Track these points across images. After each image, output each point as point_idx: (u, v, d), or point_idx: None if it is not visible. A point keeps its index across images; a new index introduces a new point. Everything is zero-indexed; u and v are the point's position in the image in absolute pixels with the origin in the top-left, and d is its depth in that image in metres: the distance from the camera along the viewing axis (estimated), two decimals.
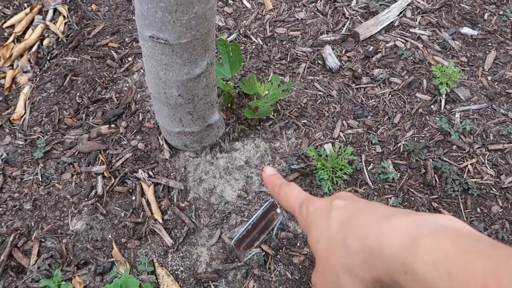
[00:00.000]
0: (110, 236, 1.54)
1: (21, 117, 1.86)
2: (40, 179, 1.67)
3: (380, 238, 0.40)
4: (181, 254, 1.50)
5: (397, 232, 0.39)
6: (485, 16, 2.13)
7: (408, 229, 0.38)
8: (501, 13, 2.13)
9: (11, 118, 1.85)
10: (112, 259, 1.49)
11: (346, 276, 0.44)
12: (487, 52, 2.00)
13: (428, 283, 0.34)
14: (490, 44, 2.03)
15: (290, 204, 0.56)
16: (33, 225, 1.57)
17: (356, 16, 2.14)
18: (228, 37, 2.07)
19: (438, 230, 0.37)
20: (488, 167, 1.66)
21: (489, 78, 1.90)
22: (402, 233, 0.38)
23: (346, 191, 0.53)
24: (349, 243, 0.43)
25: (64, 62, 1.99)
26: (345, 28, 2.10)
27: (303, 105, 1.83)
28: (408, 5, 2.18)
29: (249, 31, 2.09)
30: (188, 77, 1.23)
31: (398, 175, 1.64)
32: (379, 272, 0.40)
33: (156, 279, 1.44)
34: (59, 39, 2.11)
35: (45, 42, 2.12)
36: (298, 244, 1.50)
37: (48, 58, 2.06)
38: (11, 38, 2.15)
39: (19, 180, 1.67)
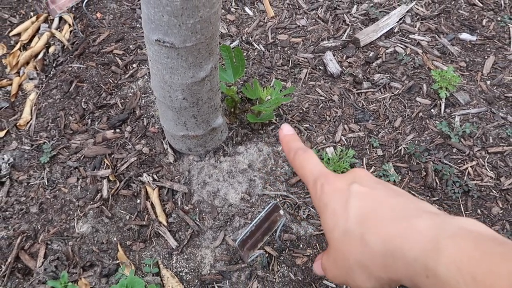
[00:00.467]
0: (115, 239, 1.56)
1: (28, 122, 1.89)
2: (46, 183, 1.69)
3: (402, 240, 0.39)
4: (186, 256, 1.52)
5: (418, 235, 0.38)
6: (484, 22, 2.16)
7: (429, 231, 0.38)
8: (499, 19, 2.16)
9: (17, 124, 1.88)
10: (118, 261, 1.51)
11: (360, 271, 0.43)
12: (486, 57, 2.03)
13: (451, 287, 0.33)
14: (488, 49, 2.06)
15: (304, 175, 0.53)
16: (39, 228, 1.59)
17: (356, 23, 2.18)
18: (231, 44, 2.10)
19: (461, 233, 0.36)
20: (488, 170, 1.68)
21: (488, 82, 1.93)
22: (423, 235, 0.38)
23: (363, 169, 0.51)
24: (369, 242, 0.42)
25: (70, 68, 2.03)
26: (345, 34, 2.14)
27: (305, 109, 1.86)
28: (407, 11, 2.21)
29: (252, 38, 2.13)
30: (193, 81, 1.26)
31: (399, 178, 1.67)
32: (399, 275, 0.39)
33: (161, 280, 1.46)
34: (65, 47, 2.15)
35: (51, 49, 2.16)
36: (301, 245, 1.52)
37: (54, 65, 2.10)
38: (18, 46, 2.19)
39: (25, 184, 1.70)
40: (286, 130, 0.59)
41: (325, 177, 0.50)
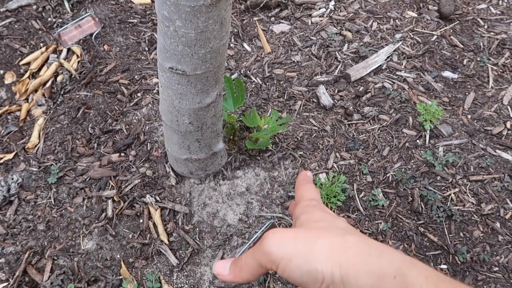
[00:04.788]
0: (118, 256, 1.64)
1: (35, 146, 1.99)
2: (53, 203, 1.77)
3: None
4: (186, 273, 1.60)
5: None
6: (464, 62, 2.33)
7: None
8: (478, 59, 2.34)
9: (25, 147, 1.98)
10: (121, 277, 1.58)
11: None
12: (467, 93, 2.19)
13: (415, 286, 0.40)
14: (469, 86, 2.22)
15: (295, 195, 0.65)
16: (46, 244, 1.66)
17: (347, 59, 2.34)
18: (230, 76, 2.24)
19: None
20: (470, 196, 1.80)
21: (469, 116, 2.08)
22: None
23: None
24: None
25: (77, 96, 2.15)
26: (337, 70, 2.29)
27: (299, 138, 1.99)
28: (394, 50, 2.38)
29: (249, 71, 2.27)
30: (200, 106, 1.38)
31: (387, 202, 1.78)
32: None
33: None
34: (73, 76, 2.28)
35: (59, 78, 2.28)
36: None
37: (62, 93, 2.21)
38: (27, 74, 2.31)
39: (33, 203, 1.78)
40: (304, 175, 0.69)
41: (308, 203, 0.60)
